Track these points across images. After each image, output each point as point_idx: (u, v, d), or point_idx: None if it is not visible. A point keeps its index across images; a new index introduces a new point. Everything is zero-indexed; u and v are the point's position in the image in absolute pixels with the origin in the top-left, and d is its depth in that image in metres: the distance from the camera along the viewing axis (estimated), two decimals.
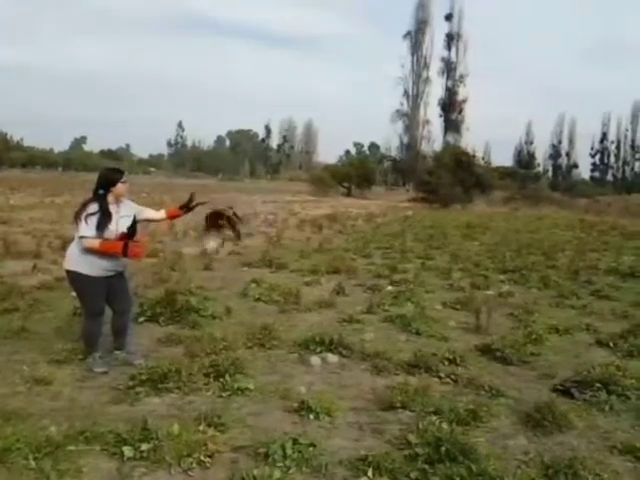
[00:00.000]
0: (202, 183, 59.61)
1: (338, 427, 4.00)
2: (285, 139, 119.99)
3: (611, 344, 6.32)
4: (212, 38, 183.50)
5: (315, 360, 5.33)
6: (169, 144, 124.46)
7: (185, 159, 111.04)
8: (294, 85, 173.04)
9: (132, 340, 5.41)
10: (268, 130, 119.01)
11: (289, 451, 3.44)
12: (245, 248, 12.70)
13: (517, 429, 4.06)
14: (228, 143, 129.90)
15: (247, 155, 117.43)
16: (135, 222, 5.00)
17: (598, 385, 4.73)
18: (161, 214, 5.38)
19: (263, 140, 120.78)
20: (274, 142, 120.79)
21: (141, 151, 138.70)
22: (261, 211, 25.91)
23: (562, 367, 5.48)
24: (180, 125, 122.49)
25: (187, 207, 5.40)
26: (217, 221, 5.65)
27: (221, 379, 4.64)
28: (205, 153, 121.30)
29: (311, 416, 4.10)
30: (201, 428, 3.71)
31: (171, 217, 5.49)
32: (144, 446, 3.41)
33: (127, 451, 3.39)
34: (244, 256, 11.92)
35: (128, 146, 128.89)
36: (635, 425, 4.21)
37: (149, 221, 5.55)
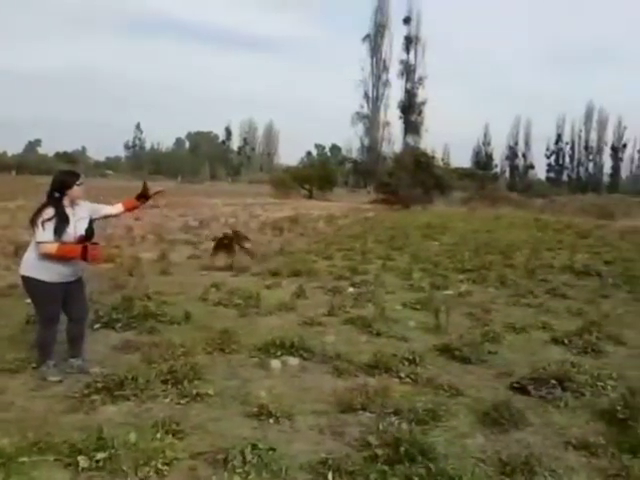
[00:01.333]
0: (161, 186, 58.69)
1: (298, 431, 3.98)
2: (246, 141, 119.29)
3: (566, 341, 6.46)
4: (170, 39, 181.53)
5: (275, 364, 5.31)
6: (127, 146, 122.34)
7: (143, 162, 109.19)
8: (254, 87, 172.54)
9: (88, 347, 5.30)
10: (228, 132, 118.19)
11: (248, 456, 3.41)
12: (205, 252, 12.58)
13: (475, 427, 4.11)
14: (188, 145, 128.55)
15: (207, 157, 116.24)
16: (92, 223, 4.90)
17: (554, 382, 4.83)
18: (118, 208, 5.26)
19: (223, 142, 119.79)
20: (235, 144, 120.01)
21: (98, 154, 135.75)
22: (222, 214, 25.70)
23: (519, 365, 5.57)
24: (138, 127, 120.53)
25: (144, 196, 5.30)
26: (224, 243, 5.62)
27: (179, 385, 4.58)
28: (164, 155, 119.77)
29: (271, 420, 4.08)
30: (159, 435, 3.65)
31: (129, 209, 5.37)
32: (100, 455, 3.33)
33: (82, 461, 3.31)
34: (204, 260, 11.79)
35: (84, 149, 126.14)
36: (589, 421, 4.31)
37: (108, 217, 5.41)
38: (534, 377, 4.94)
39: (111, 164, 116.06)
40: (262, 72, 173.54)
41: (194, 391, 4.48)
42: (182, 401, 4.36)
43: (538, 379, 4.90)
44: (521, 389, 4.85)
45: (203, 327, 6.49)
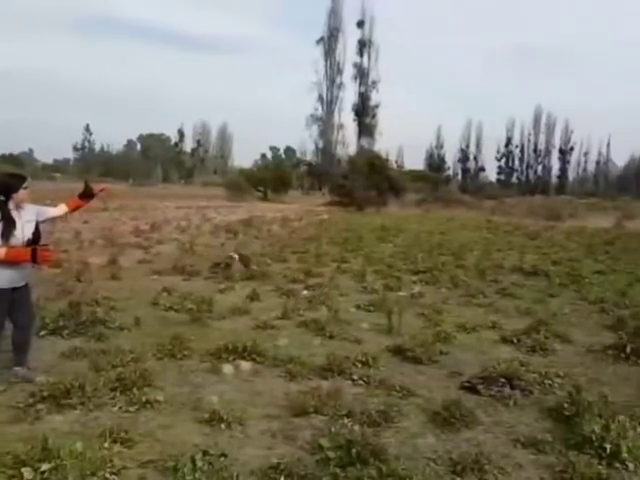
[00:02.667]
0: (112, 189, 57.68)
1: (250, 436, 3.94)
2: (199, 143, 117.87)
3: (515, 340, 6.60)
4: (121, 39, 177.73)
5: (227, 368, 5.25)
6: (75, 148, 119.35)
7: (93, 164, 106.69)
8: (208, 88, 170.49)
9: (33, 355, 5.13)
10: (181, 134, 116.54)
11: (199, 463, 3.35)
12: (156, 256, 12.39)
13: (426, 428, 4.15)
14: (139, 147, 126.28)
15: (159, 160, 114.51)
16: (38, 226, 4.77)
17: (503, 381, 4.92)
18: (62, 209, 5.14)
19: (176, 144, 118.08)
20: (187, 146, 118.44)
21: (45, 156, 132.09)
22: (174, 217, 25.37)
23: (469, 364, 5.65)
24: (87, 129, 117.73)
25: (88, 195, 5.17)
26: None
27: (128, 392, 4.49)
28: (114, 158, 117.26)
29: (222, 426, 4.03)
30: (106, 444, 3.57)
31: (73, 209, 5.24)
32: (45, 466, 3.22)
33: (26, 473, 3.19)
34: (155, 264, 11.60)
35: (31, 151, 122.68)
36: (537, 418, 4.40)
37: (54, 219, 5.27)
38: (484, 376, 5.02)
39: (59, 167, 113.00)
40: (215, 73, 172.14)
41: (143, 398, 4.39)
42: (131, 408, 4.27)
43: (488, 378, 4.98)
44: (471, 388, 4.92)
45: (154, 333, 6.38)
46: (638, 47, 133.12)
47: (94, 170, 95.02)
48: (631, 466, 3.58)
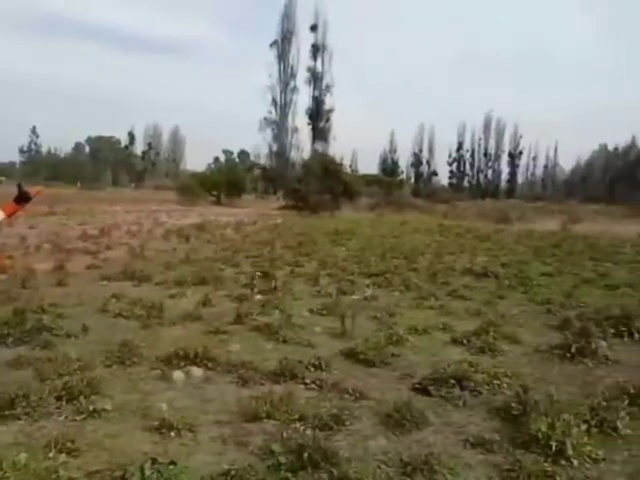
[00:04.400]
0: (59, 193, 56.16)
1: (200, 443, 3.90)
2: (150, 146, 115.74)
3: (465, 342, 6.71)
4: (73, 40, 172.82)
5: (178, 375, 5.17)
6: (21, 151, 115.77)
7: (40, 167, 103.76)
8: (159, 90, 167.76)
9: None
10: (131, 136, 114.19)
11: (148, 472, 3.30)
12: (105, 261, 12.13)
13: (378, 430, 4.17)
14: (88, 150, 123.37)
15: (109, 163, 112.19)
16: None
17: (453, 381, 5.00)
18: None
19: (126, 147, 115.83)
20: (138, 149, 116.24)
21: None
22: (124, 221, 24.90)
23: (421, 366, 5.72)
24: (34, 131, 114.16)
25: (23, 198, 5.00)
26: None
27: (75, 401, 4.40)
28: (62, 160, 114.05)
29: (172, 434, 3.97)
30: (51, 455, 3.50)
31: (10, 214, 5.05)
32: None
33: None
34: (104, 269, 11.35)
35: None
36: (486, 418, 4.48)
37: None
38: (435, 377, 5.09)
39: (4, 170, 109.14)
40: (168, 75, 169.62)
41: (91, 407, 4.30)
42: (78, 418, 4.18)
43: (438, 379, 5.05)
44: (422, 390, 4.98)
45: (102, 340, 6.24)
46: (583, 57, 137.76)
47: (41, 173, 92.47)
48: (576, 463, 3.69)
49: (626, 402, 4.61)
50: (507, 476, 3.52)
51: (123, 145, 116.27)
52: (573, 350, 6.20)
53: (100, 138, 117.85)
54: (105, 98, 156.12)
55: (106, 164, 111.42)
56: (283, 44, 76.47)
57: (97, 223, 23.04)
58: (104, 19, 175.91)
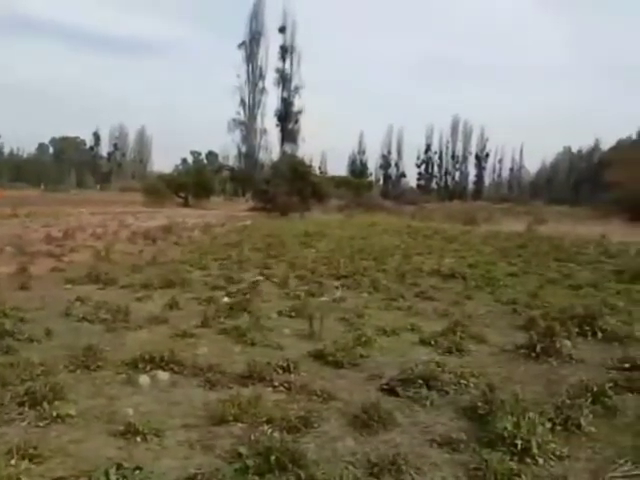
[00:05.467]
0: (22, 194, 55.09)
1: (167, 447, 3.85)
2: (116, 147, 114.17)
3: (433, 342, 6.77)
4: (38, 40, 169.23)
5: (144, 379, 5.10)
6: None
7: (1, 168, 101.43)
8: (125, 91, 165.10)
9: None
10: (97, 137, 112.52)
11: (113, 477, 3.27)
12: (69, 264, 11.91)
13: (346, 431, 4.18)
14: (52, 151, 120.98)
15: (73, 164, 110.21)
16: None
17: (420, 382, 5.04)
18: None
19: (91, 148, 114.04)
20: (104, 150, 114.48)
21: None
22: (89, 224, 24.49)
23: (389, 367, 5.74)
24: None
25: None
26: None
27: (38, 407, 4.31)
28: (25, 162, 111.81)
29: (138, 438, 3.92)
30: (13, 462, 3.44)
31: None
32: None
33: None
34: (68, 273, 11.14)
35: None
36: (453, 418, 4.53)
37: None
38: (402, 378, 5.12)
39: None
40: (134, 76, 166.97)
41: (54, 412, 4.23)
42: (41, 423, 4.11)
43: (406, 380, 5.08)
44: (390, 390, 5.01)
45: (66, 344, 6.12)
46: (549, 60, 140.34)
47: (4, 175, 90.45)
48: (541, 461, 3.75)
49: (589, 400, 4.70)
50: (473, 475, 3.56)
51: (88, 146, 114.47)
52: (538, 349, 6.30)
53: (64, 139, 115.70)
54: (70, 98, 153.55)
55: (70, 165, 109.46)
56: (251, 45, 76.27)
57: (61, 225, 22.60)
58: (68, 18, 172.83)
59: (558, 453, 3.85)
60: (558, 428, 4.19)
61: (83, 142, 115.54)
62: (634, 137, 71.49)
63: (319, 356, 5.97)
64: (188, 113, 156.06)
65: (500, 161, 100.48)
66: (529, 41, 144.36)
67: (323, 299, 9.43)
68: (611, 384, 5.11)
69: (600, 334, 7.26)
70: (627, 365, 5.88)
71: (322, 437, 4.04)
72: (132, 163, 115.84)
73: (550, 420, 4.19)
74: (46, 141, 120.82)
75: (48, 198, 50.18)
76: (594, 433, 4.24)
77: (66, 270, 11.51)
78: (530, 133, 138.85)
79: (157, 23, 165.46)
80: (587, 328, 7.36)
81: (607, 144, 77.69)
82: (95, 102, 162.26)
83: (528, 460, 3.73)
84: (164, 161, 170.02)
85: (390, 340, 6.97)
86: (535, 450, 3.79)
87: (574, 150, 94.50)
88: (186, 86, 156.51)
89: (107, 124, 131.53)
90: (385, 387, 5.08)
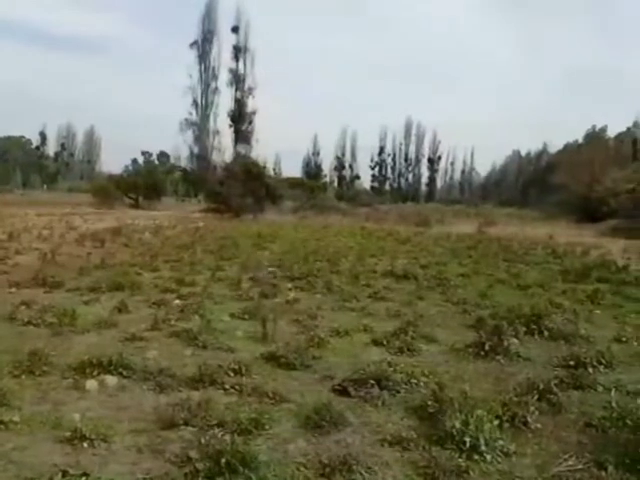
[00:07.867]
0: None
1: (115, 452, 3.77)
2: (63, 147, 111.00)
3: (385, 342, 6.84)
4: None
5: (91, 384, 4.98)
6: None
7: None
8: (73, 90, 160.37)
9: None
10: (43, 137, 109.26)
11: None
12: (14, 267, 11.54)
13: (298, 432, 4.17)
14: None
15: (18, 164, 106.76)
16: None
17: (372, 382, 5.07)
18: None
19: (37, 148, 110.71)
20: (51, 150, 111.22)
21: None
22: (35, 225, 23.80)
23: (341, 368, 5.76)
24: None
25: None
26: None
27: None
28: None
29: (85, 444, 3.83)
30: None
31: None
32: None
33: None
34: (12, 275, 10.80)
35: None
36: (403, 417, 4.58)
37: None
38: (354, 378, 5.15)
39: None
40: (82, 74, 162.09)
41: None
42: None
43: (358, 380, 5.11)
44: (342, 391, 5.03)
45: (10, 349, 5.92)
46: (499, 64, 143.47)
47: None
48: (488, 457, 3.82)
49: (536, 397, 4.83)
50: (423, 473, 3.61)
51: (34, 146, 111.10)
52: (487, 348, 6.43)
53: (9, 138, 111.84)
54: (14, 97, 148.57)
55: (15, 165, 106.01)
56: (204, 44, 75.24)
57: (6, 227, 21.86)
58: (16, 16, 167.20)
59: (505, 449, 3.93)
60: (505, 425, 4.28)
61: (29, 142, 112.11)
62: (581, 141, 73.85)
63: (271, 358, 5.95)
64: (139, 113, 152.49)
65: (452, 164, 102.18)
66: (481, 44, 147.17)
67: (276, 301, 9.40)
68: (557, 381, 5.28)
69: (546, 332, 7.46)
70: (572, 362, 6.06)
71: (274, 439, 4.02)
72: (80, 163, 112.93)
73: (498, 417, 4.27)
74: None
75: None
76: (540, 429, 4.36)
77: (10, 273, 11.16)
78: (481, 136, 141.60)
79: (109, 20, 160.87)
80: (534, 327, 7.55)
81: (555, 148, 79.97)
82: (42, 100, 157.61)
83: (476, 457, 3.80)
84: (114, 161, 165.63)
85: (343, 341, 7.00)
86: (483, 447, 3.87)
87: (523, 154, 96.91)
88: (137, 86, 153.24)
89: (54, 123, 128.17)
90: (337, 388, 5.10)
